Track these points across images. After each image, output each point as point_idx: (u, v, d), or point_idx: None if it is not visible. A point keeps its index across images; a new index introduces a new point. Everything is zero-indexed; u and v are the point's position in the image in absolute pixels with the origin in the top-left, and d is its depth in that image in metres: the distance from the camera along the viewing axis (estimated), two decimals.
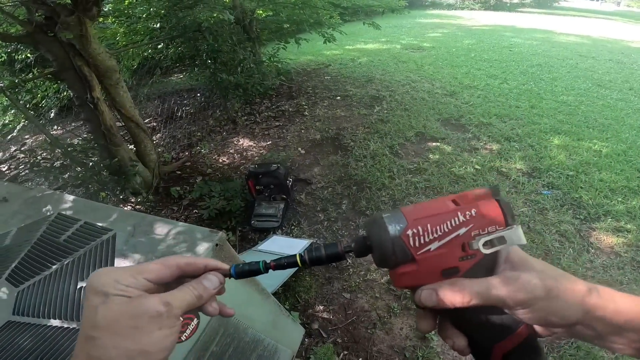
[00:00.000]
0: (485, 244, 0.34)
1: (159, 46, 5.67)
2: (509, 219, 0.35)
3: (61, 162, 3.35)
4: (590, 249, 2.58)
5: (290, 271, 2.35)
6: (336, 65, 6.99)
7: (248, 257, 2.47)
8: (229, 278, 0.41)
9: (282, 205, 3.13)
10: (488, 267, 0.35)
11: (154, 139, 5.14)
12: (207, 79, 5.21)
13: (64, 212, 1.36)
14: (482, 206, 0.35)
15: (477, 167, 3.49)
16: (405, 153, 3.84)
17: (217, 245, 1.04)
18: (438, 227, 0.34)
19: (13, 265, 1.10)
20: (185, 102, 6.11)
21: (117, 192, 3.65)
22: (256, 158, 4.18)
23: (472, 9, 17.18)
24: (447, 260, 0.35)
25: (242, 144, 4.56)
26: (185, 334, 0.95)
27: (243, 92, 5.07)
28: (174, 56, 5.92)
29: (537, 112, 4.69)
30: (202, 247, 1.04)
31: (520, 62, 6.87)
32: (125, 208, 3.67)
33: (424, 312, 0.38)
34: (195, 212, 3.47)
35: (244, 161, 4.18)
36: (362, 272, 2.60)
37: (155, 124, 5.56)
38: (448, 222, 0.34)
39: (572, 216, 2.87)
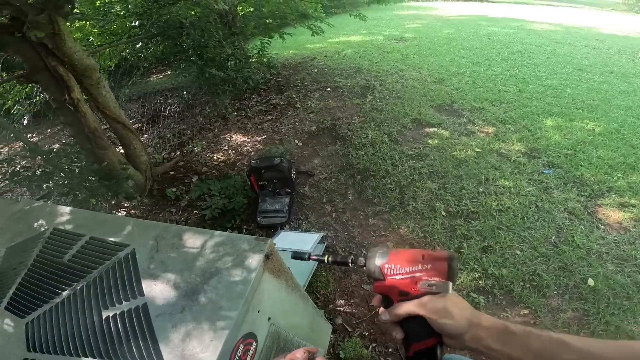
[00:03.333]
0: (425, 285, 0.55)
1: (137, 45, 5.43)
2: (450, 276, 0.55)
3: (42, 169, 3.12)
4: (600, 225, 2.64)
5: (312, 269, 2.30)
6: (322, 58, 6.92)
7: None
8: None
9: (287, 200, 3.05)
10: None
11: (147, 138, 4.93)
12: (193, 76, 5.02)
13: (61, 227, 1.14)
14: (436, 264, 0.55)
15: (477, 150, 3.53)
16: (404, 140, 3.83)
17: (267, 256, 0.91)
18: (404, 268, 0.57)
19: (10, 292, 0.93)
20: (170, 101, 5.88)
21: (109, 198, 3.46)
22: (252, 153, 4.06)
23: (445, 0, 17.47)
24: (404, 286, 0.57)
25: (236, 139, 4.43)
26: None
27: (232, 88, 4.93)
28: (155, 55, 5.68)
29: (525, 95, 4.80)
30: (253, 260, 0.87)
31: (500, 50, 7.02)
32: (120, 214, 3.50)
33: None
34: (196, 213, 3.34)
35: (239, 157, 4.06)
36: None
37: (140, 125, 5.32)
38: (411, 267, 0.56)
39: (576, 194, 2.94)
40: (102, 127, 4.06)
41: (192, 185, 3.74)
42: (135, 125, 5.32)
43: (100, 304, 0.84)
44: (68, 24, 3.06)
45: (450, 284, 0.54)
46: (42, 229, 1.16)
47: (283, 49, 7.51)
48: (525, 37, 8.20)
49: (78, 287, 0.91)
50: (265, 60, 5.69)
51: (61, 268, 0.98)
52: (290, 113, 4.76)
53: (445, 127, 3.99)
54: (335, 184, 3.31)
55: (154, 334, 0.75)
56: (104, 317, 0.80)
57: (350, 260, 0.65)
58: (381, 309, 0.61)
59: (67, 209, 1.28)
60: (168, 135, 4.78)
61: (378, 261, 0.59)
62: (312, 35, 5.49)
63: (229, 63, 4.70)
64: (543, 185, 3.04)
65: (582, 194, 2.94)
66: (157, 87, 6.41)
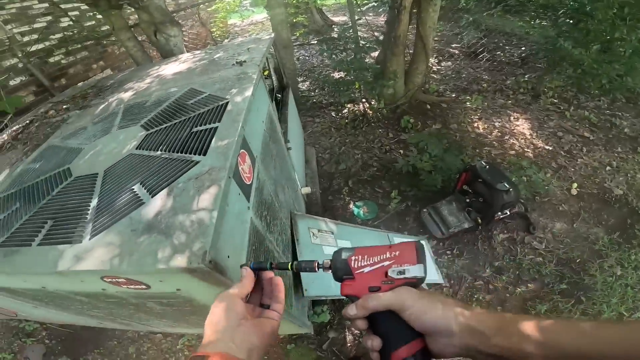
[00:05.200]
0: (396, 273, 0.49)
1: None
2: (419, 259, 0.49)
3: (343, 46, 3.52)
4: None
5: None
6: None
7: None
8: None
9: (466, 225, 2.31)
10: None
11: (441, 67, 4.69)
12: (541, 37, 3.89)
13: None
14: (404, 250, 0.50)
15: None
16: None
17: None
18: (372, 258, 0.52)
19: (149, 116, 1.24)
20: (506, 47, 5.00)
21: (367, 89, 3.70)
22: (512, 152, 3.10)
23: None
24: (373, 280, 0.50)
25: (518, 126, 3.45)
26: None
27: (580, 74, 3.53)
28: None
29: None
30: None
31: None
32: (360, 106, 3.76)
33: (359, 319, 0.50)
34: (400, 153, 3.14)
35: (494, 145, 3.22)
36: None
37: (457, 52, 4.98)
38: (379, 256, 0.51)
39: None
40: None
41: (426, 130, 3.42)
42: (452, 51, 5.02)
43: (192, 125, 1.09)
44: None
45: (422, 265, 0.49)
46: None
47: None
48: None
49: (187, 118, 1.16)
50: None
51: (183, 107, 1.26)
52: (618, 148, 3.08)
53: None
54: (532, 265, 2.17)
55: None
56: (192, 131, 1.04)
57: (316, 265, 0.56)
58: (350, 307, 0.50)
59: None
60: (464, 75, 4.28)
61: (344, 255, 0.53)
62: None
63: (595, 46, 3.25)
64: None
65: None
66: (510, 29, 5.45)
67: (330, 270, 0.54)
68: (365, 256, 0.52)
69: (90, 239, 0.73)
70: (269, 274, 0.58)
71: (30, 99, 2.59)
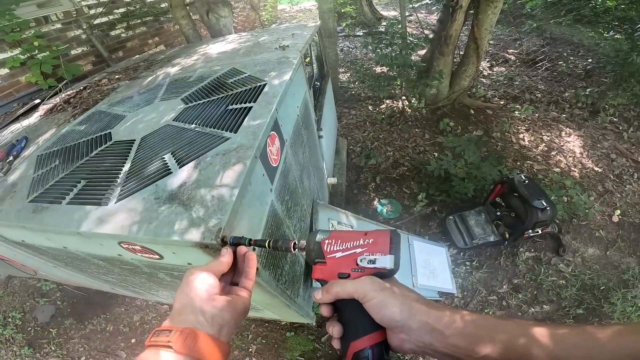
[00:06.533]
0: (366, 261, 0.48)
1: None
2: (392, 250, 0.48)
3: (389, 41, 3.39)
4: None
5: None
6: None
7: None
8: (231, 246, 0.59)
9: (492, 239, 2.21)
10: None
11: (492, 72, 4.43)
12: (613, 49, 3.56)
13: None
14: (378, 238, 0.49)
15: None
16: None
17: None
18: (345, 243, 0.50)
19: (190, 91, 1.29)
20: (568, 56, 4.61)
21: (410, 88, 3.59)
22: (557, 169, 2.90)
23: None
24: (344, 266, 0.49)
25: (569, 142, 3.21)
26: None
27: None
28: (603, 6, 4.19)
29: None
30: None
31: None
32: (398, 104, 3.67)
33: (324, 304, 0.49)
34: (433, 157, 3.04)
35: (540, 159, 3.02)
36: None
37: (513, 58, 4.67)
38: (352, 242, 0.50)
39: None
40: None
41: (466, 135, 3.27)
42: (507, 57, 4.71)
43: (227, 103, 1.12)
44: None
45: (393, 257, 0.47)
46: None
47: None
48: None
49: (224, 95, 1.20)
50: None
51: (223, 84, 1.30)
52: None
53: None
54: (552, 286, 2.03)
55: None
56: (227, 109, 1.08)
57: (292, 245, 0.55)
58: (317, 291, 0.50)
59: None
60: (517, 83, 4.01)
61: (318, 237, 0.52)
62: None
63: None
64: None
65: None
66: (575, 39, 5.01)
67: (305, 252, 0.53)
68: (339, 241, 0.50)
69: (116, 202, 0.78)
70: (244, 249, 0.58)
71: (88, 68, 2.79)
